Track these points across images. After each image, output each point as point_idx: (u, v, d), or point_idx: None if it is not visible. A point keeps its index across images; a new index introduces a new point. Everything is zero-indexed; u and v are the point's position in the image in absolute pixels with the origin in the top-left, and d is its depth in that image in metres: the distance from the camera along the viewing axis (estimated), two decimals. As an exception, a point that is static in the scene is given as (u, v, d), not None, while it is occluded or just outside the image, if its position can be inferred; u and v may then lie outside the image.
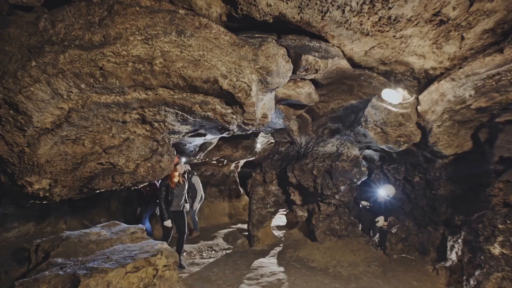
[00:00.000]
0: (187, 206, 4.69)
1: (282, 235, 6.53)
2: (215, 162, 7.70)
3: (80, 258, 3.26)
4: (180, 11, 2.46)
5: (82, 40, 2.25)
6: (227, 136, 4.58)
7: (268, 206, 6.16)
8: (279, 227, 7.41)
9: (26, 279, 2.71)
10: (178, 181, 4.38)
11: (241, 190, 9.18)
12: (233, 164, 8.79)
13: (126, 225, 4.22)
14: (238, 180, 9.12)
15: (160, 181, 4.22)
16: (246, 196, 9.23)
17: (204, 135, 4.13)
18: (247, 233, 6.40)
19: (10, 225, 5.08)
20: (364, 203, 5.39)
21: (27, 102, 2.17)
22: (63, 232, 3.93)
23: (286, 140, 6.12)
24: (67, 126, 2.46)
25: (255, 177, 6.42)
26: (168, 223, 4.17)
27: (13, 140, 2.34)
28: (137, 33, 2.31)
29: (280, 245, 5.91)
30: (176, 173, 4.33)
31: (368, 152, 5.48)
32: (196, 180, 6.01)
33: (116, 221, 4.59)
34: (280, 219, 8.23)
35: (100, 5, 2.32)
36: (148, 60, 2.37)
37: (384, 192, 5.17)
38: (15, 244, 5.07)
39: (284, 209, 6.87)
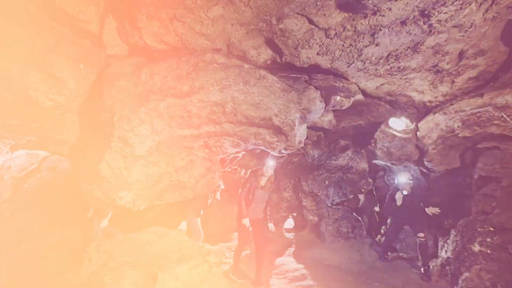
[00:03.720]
0: (271, 226, 4.19)
1: (292, 237, 7.25)
2: (229, 169, 8.37)
3: (141, 258, 3.88)
4: (245, 65, 3.19)
5: (174, 90, 2.94)
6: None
7: (281, 210, 6.92)
8: (288, 230, 8.15)
9: (112, 274, 3.32)
10: (263, 185, 4.01)
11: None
12: (243, 170, 9.49)
13: (165, 228, 4.84)
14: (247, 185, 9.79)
15: (249, 173, 4.03)
16: (254, 200, 9.92)
17: (239, 152, 4.85)
18: (260, 234, 7.12)
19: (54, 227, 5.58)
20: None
21: (135, 138, 2.85)
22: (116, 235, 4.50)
23: (299, 152, 6.89)
24: (155, 153, 3.14)
25: (270, 185, 7.16)
26: (245, 221, 3.83)
27: (116, 165, 3.00)
28: (215, 84, 3.02)
29: (293, 245, 6.62)
30: (262, 177, 3.97)
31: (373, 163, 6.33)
32: None
33: (157, 226, 5.21)
34: (287, 222, 8.98)
35: (187, 62, 3.02)
36: (222, 104, 3.09)
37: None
38: (58, 246, 5.58)
39: (294, 213, 7.62)
